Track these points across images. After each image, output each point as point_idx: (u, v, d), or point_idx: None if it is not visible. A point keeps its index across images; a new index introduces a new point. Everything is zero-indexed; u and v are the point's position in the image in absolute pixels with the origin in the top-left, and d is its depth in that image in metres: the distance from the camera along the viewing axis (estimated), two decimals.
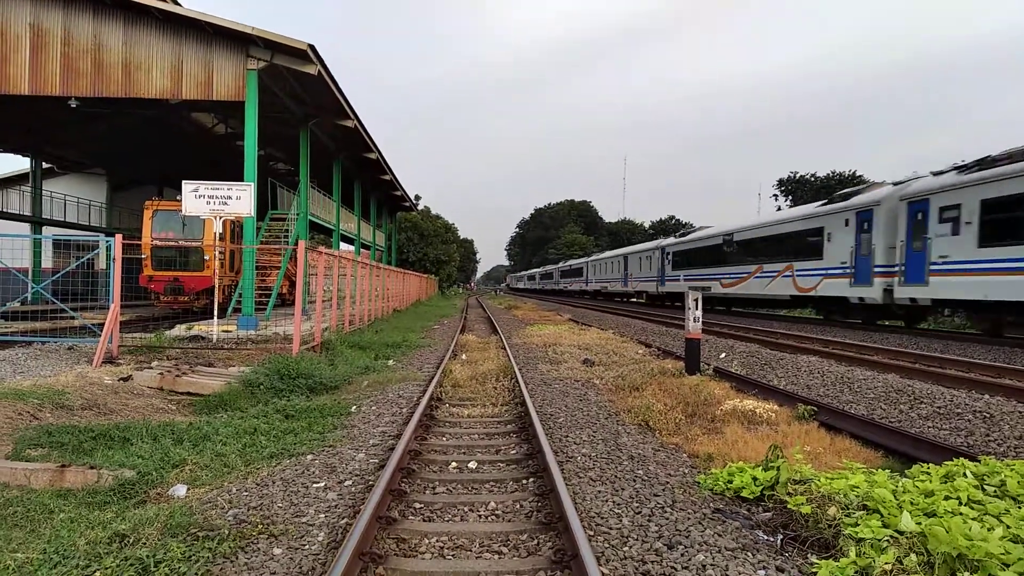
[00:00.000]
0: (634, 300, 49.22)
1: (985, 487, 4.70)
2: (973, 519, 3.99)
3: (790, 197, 70.47)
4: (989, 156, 15.69)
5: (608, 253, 58.59)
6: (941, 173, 17.37)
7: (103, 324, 12.07)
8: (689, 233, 36.69)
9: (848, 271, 20.27)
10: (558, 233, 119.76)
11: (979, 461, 5.19)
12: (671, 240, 39.34)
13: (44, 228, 30.67)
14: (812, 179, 69.62)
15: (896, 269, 17.95)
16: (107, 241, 13.09)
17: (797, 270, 23.35)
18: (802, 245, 23.27)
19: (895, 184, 19.56)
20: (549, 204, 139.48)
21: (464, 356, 14.64)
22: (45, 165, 31.93)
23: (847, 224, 20.57)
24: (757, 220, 29.50)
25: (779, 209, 65.36)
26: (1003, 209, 14.62)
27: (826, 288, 21.53)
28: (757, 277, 26.51)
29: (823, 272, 21.68)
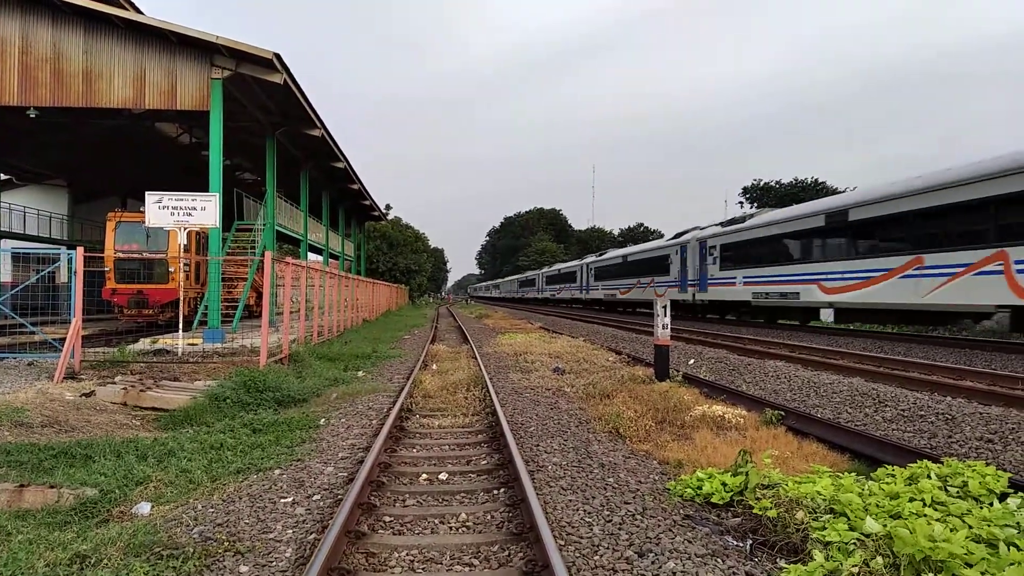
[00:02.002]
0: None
1: (948, 488, 4.79)
2: (937, 520, 4.05)
3: (755, 204, 71.48)
4: None
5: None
6: None
7: (64, 339, 11.79)
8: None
9: None
10: (528, 241, 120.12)
11: (942, 462, 5.29)
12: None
13: (2, 241, 29.93)
14: (777, 186, 70.71)
15: None
16: (68, 254, 12.81)
17: (1019, 262, 13.69)
18: None
19: None
20: (519, 213, 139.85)
21: (435, 366, 14.56)
22: (3, 176, 31.19)
23: None
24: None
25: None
26: None
27: None
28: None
29: None
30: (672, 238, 34.51)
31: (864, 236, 18.71)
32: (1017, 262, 13.70)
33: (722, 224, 28.88)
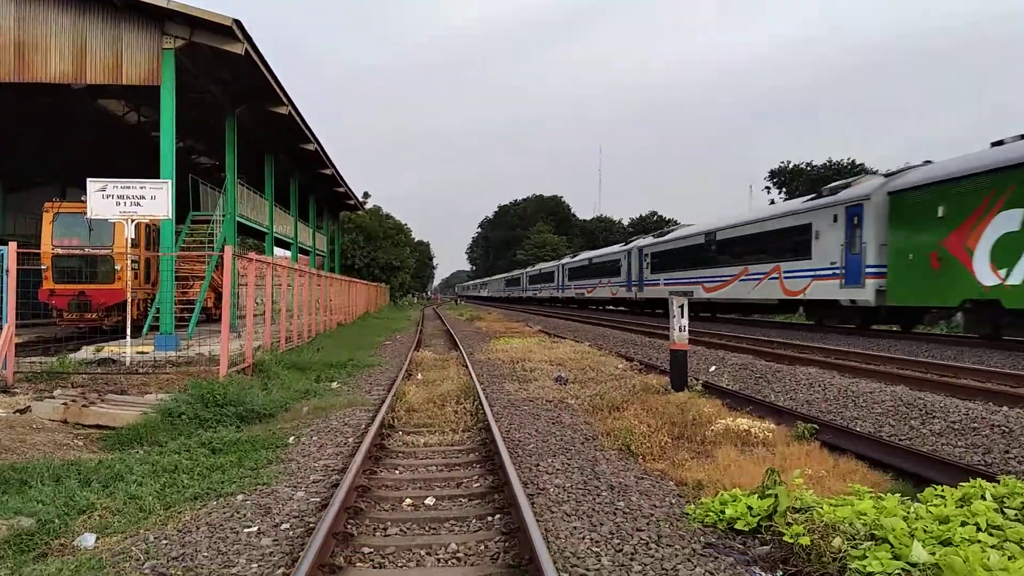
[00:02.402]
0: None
1: (1005, 510, 4.79)
2: (992, 547, 4.06)
3: (783, 189, 71.62)
4: None
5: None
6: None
7: None
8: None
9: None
10: (526, 233, 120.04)
11: (998, 481, 5.30)
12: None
13: None
14: (808, 168, 70.83)
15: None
16: None
17: (785, 272, 24.13)
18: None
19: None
20: (515, 201, 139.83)
21: (420, 376, 14.56)
22: None
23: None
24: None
25: (772, 203, 66.05)
26: None
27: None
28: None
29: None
30: (622, 245, 46.44)
31: (723, 252, 29.44)
32: (784, 272, 24.16)
33: (654, 236, 40.67)
